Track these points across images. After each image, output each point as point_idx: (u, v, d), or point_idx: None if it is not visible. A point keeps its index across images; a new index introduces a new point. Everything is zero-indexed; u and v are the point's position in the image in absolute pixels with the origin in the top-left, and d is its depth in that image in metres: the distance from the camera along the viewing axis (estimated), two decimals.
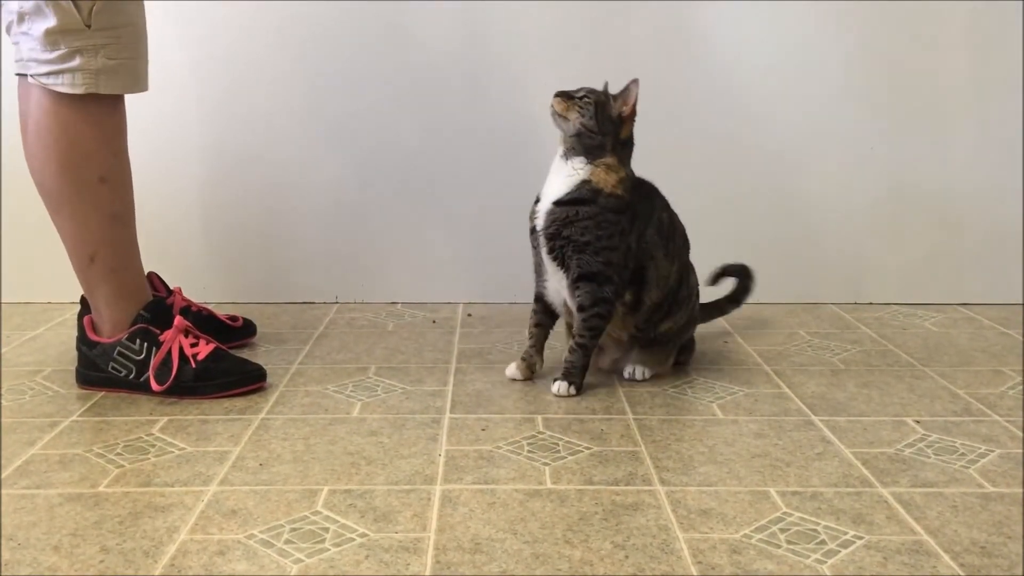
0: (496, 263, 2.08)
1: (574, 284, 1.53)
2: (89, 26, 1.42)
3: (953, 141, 2.09)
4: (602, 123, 1.52)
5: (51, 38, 1.42)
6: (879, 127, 2.08)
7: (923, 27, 2.05)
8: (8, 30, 1.47)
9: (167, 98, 1.96)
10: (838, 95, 2.07)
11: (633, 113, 1.55)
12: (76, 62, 1.43)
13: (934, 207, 2.11)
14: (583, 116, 1.52)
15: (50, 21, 1.41)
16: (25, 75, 1.47)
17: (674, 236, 1.61)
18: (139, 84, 1.52)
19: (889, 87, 2.07)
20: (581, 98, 1.53)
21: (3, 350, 1.78)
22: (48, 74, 1.44)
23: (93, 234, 1.51)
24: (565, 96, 1.54)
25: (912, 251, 2.12)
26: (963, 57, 2.06)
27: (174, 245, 2.04)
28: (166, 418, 1.45)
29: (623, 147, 1.56)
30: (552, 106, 1.54)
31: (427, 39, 2.05)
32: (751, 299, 2.09)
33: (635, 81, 1.53)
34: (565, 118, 1.53)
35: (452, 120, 2.08)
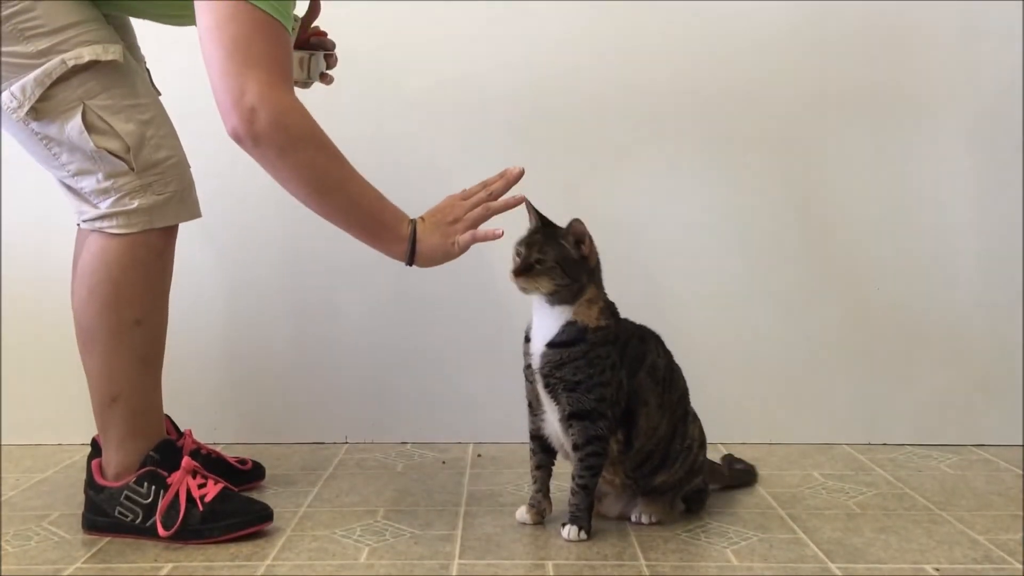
0: (506, 403, 2.06)
1: (567, 422, 1.53)
2: (133, 168, 1.48)
3: (960, 278, 2.11)
4: (572, 270, 1.50)
5: (102, 188, 1.49)
6: (885, 266, 2.11)
7: (923, 169, 2.10)
8: (61, 186, 1.54)
9: (180, 242, 2.00)
10: (842, 235, 2.11)
11: (591, 245, 1.52)
12: (127, 204, 1.48)
13: (945, 346, 2.11)
14: (553, 280, 1.49)
15: (98, 176, 1.48)
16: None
17: (671, 387, 1.59)
18: (191, 211, 1.57)
19: (892, 222, 2.10)
20: (539, 263, 1.49)
21: (11, 494, 1.77)
22: (102, 218, 1.50)
23: (119, 375, 1.53)
24: (524, 271, 1.49)
25: (925, 391, 2.11)
26: (967, 196, 2.10)
27: (183, 385, 2.05)
28: (171, 564, 1.43)
29: (594, 276, 1.55)
30: (518, 285, 1.50)
31: (438, 180, 2.09)
32: (765, 439, 2.10)
33: (577, 220, 1.50)
34: (538, 288, 1.50)
35: (462, 260, 2.10)
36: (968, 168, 2.10)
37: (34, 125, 1.47)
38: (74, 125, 1.45)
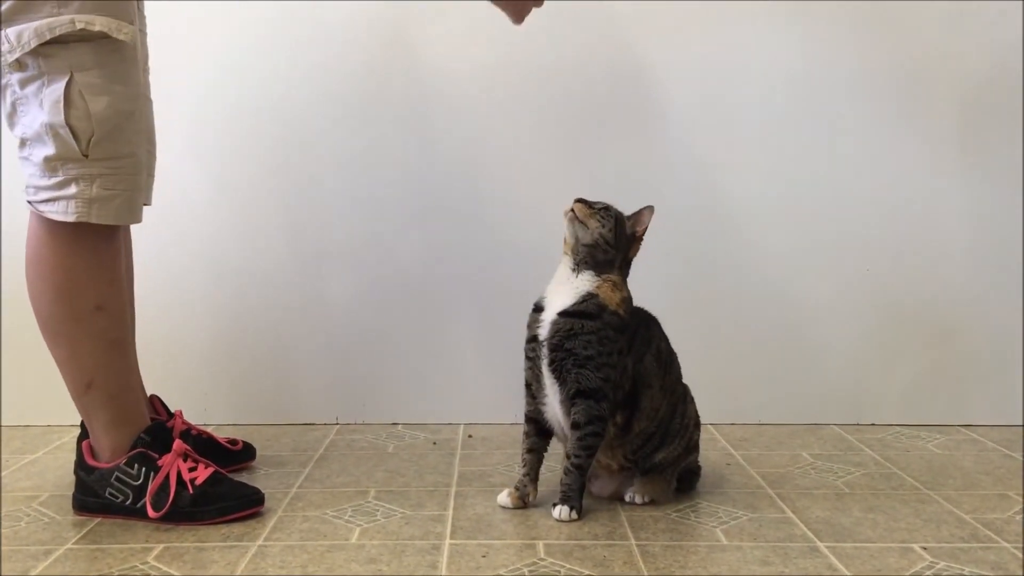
0: (497, 383, 2.08)
1: (571, 399, 1.53)
2: (87, 156, 1.42)
3: (949, 260, 2.11)
4: (618, 238, 1.55)
5: (50, 165, 1.42)
6: (874, 247, 2.11)
7: (913, 150, 2.10)
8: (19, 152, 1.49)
9: (170, 222, 2.00)
10: (833, 217, 2.11)
11: (642, 236, 1.58)
12: (71, 190, 1.43)
13: (933, 327, 2.12)
14: (603, 227, 1.54)
15: (49, 149, 1.42)
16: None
17: (670, 368, 1.61)
18: (133, 216, 1.51)
19: (883, 209, 2.10)
20: (602, 209, 1.55)
21: (2, 474, 1.77)
22: (44, 201, 1.44)
23: (89, 361, 1.50)
24: (586, 203, 1.56)
25: (913, 371, 2.12)
26: (957, 178, 2.10)
27: (174, 367, 2.05)
28: (162, 545, 1.43)
29: (626, 267, 1.58)
30: (572, 210, 1.54)
31: (428, 163, 2.10)
32: (754, 420, 2.11)
33: (650, 208, 1.57)
34: (585, 225, 1.54)
35: (452, 241, 2.11)
36: (959, 150, 2.10)
37: (13, 76, 1.41)
38: (54, 91, 1.39)
